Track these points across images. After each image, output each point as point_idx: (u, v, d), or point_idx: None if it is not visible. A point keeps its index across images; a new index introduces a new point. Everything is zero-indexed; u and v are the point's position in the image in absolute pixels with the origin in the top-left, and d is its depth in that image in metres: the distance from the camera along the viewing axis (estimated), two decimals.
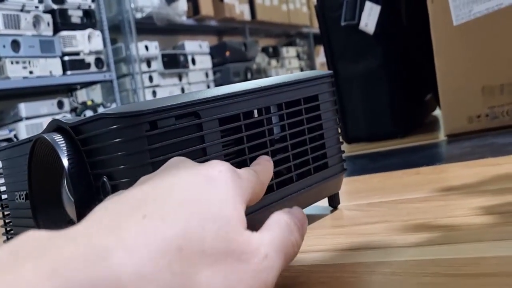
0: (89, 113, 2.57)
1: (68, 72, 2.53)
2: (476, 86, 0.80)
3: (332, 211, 0.50)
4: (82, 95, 2.92)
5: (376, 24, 0.94)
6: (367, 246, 0.37)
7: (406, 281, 0.29)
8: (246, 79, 3.85)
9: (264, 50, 4.53)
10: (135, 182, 0.35)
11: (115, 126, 0.36)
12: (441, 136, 0.86)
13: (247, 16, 4.34)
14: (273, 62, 4.55)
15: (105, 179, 0.37)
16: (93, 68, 2.67)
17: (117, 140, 0.36)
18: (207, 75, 3.66)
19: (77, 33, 2.66)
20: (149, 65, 3.20)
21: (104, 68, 2.73)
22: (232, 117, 0.41)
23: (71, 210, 0.43)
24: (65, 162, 0.38)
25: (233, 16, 4.11)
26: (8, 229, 0.55)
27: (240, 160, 0.41)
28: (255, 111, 0.44)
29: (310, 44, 5.31)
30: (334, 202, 0.51)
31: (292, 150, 0.46)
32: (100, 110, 2.65)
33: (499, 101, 0.78)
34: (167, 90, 3.26)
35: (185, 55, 3.47)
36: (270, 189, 0.43)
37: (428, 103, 1.14)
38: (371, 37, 0.95)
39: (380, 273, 0.31)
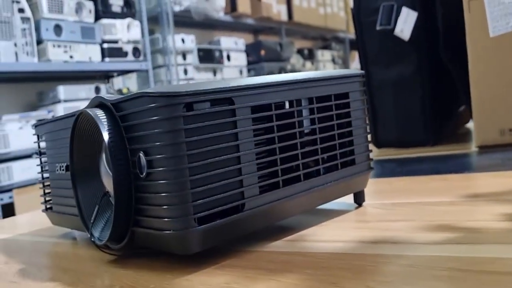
0: None
1: (107, 59, 2.59)
2: (509, 99, 0.79)
3: (356, 208, 0.51)
4: (118, 83, 2.99)
5: (412, 30, 0.94)
6: (388, 241, 0.38)
7: (422, 272, 0.30)
8: None
9: (300, 51, 4.54)
10: (170, 159, 0.37)
11: (153, 105, 0.38)
12: (472, 147, 0.86)
13: (284, 17, 4.35)
14: (308, 64, 4.55)
15: (141, 154, 0.39)
16: (130, 57, 2.73)
17: (155, 118, 0.38)
18: (241, 72, 3.69)
19: (117, 22, 2.72)
20: (184, 58, 3.24)
21: (141, 58, 2.78)
22: (264, 106, 0.43)
23: (108, 182, 0.45)
24: (106, 136, 0.41)
25: (270, 16, 4.12)
26: (47, 199, 0.58)
27: (270, 149, 0.43)
28: (287, 103, 0.45)
29: (346, 49, 5.29)
30: (359, 199, 0.52)
31: (320, 143, 0.47)
32: None
33: None
34: None
35: (220, 51, 3.51)
36: (297, 179, 0.45)
37: (462, 115, 1.13)
38: (406, 43, 0.95)
39: (398, 264, 0.33)
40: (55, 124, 0.55)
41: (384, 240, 0.39)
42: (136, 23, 2.83)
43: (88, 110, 0.43)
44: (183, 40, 3.24)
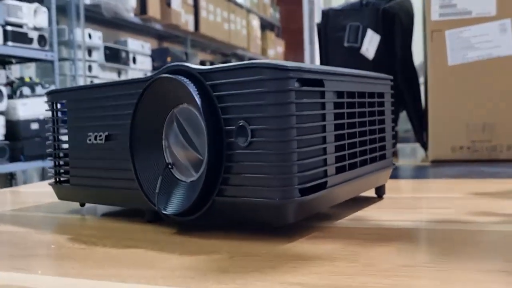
0: (26, 90, 2.42)
1: (9, 43, 2.38)
2: (462, 121, 0.91)
3: (380, 199, 0.56)
4: (16, 71, 2.75)
5: (375, 51, 1.03)
6: (457, 220, 0.43)
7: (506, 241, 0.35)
8: None
9: (202, 63, 4.56)
10: (280, 130, 0.38)
11: (262, 76, 0.39)
12: (420, 162, 0.96)
13: (191, 27, 4.36)
14: None
15: (243, 124, 0.39)
16: (35, 44, 2.54)
17: (264, 89, 0.38)
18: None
19: (24, 5, 2.52)
20: (90, 54, 3.10)
21: (47, 47, 2.60)
22: (341, 93, 0.46)
23: (180, 153, 0.44)
24: (199, 102, 0.40)
25: (178, 24, 4.11)
26: (60, 170, 0.54)
27: (340, 134, 0.46)
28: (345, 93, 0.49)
29: None
30: (381, 192, 0.57)
31: (369, 135, 0.51)
32: (38, 89, 2.52)
33: (480, 137, 0.90)
34: None
35: (127, 52, 3.41)
36: (355, 165, 0.48)
37: (396, 134, 1.24)
38: (369, 61, 1.04)
39: (498, 236, 0.37)
40: (84, 92, 0.52)
41: (452, 220, 0.43)
42: (43, 9, 2.65)
43: (172, 76, 0.42)
44: (90, 36, 3.10)
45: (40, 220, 0.52)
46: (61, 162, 0.54)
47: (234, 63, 0.41)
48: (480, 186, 0.63)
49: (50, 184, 0.55)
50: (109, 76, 3.26)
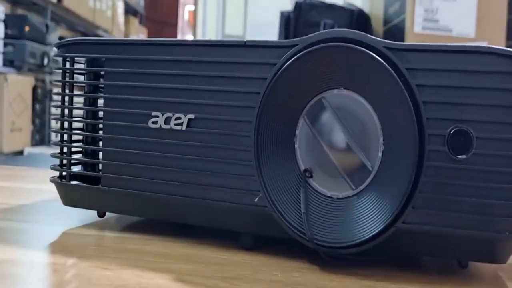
0: None
1: None
2: None
3: None
4: None
5: None
6: None
7: None
8: (42, 64, 3.39)
9: (61, 39, 4.09)
10: (500, 141, 0.28)
11: (499, 68, 0.28)
12: None
13: None
14: None
15: (463, 129, 0.28)
16: None
17: (500, 86, 0.28)
18: None
19: None
20: None
21: None
22: None
23: (333, 158, 0.30)
24: (404, 90, 0.28)
25: None
26: (70, 163, 0.36)
27: None
28: None
29: None
30: None
31: None
32: None
33: None
34: None
35: None
36: None
37: None
38: None
39: None
40: (143, 50, 0.35)
41: None
42: None
43: (355, 46, 0.29)
44: None
45: (65, 238, 0.34)
46: (79, 152, 0.36)
47: (442, 43, 0.29)
48: None
49: (53, 181, 0.37)
50: None
